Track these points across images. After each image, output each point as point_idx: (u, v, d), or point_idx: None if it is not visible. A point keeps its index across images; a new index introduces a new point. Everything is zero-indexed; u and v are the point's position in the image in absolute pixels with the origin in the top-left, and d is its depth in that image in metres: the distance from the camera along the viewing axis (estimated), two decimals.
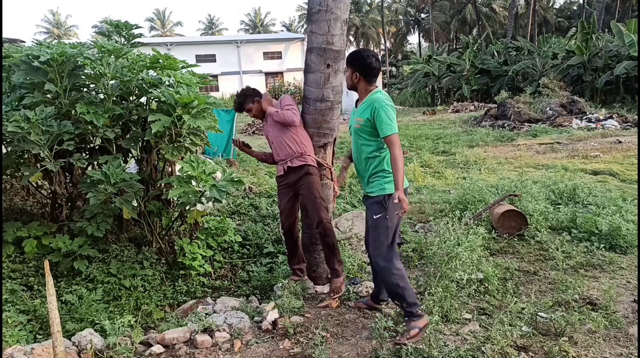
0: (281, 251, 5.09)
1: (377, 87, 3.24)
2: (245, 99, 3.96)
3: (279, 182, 3.91)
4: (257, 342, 3.08)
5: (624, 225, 4.72)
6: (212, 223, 4.90)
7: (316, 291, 3.84)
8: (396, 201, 2.90)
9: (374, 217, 3.13)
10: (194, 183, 4.07)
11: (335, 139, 4.09)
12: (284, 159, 3.77)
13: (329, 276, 3.84)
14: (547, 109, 16.84)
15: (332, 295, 3.66)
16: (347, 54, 3.51)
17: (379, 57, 3.19)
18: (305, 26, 33.28)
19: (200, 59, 32.94)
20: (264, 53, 36.46)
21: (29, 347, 2.85)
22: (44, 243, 4.11)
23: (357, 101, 3.33)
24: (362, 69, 3.15)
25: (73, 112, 3.97)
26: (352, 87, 3.28)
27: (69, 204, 4.46)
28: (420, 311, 3.07)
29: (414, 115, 23.60)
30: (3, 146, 4.12)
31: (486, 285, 3.79)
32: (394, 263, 3.10)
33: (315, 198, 3.68)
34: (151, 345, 3.08)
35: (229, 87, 34.09)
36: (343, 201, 6.69)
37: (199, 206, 4.45)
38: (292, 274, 3.98)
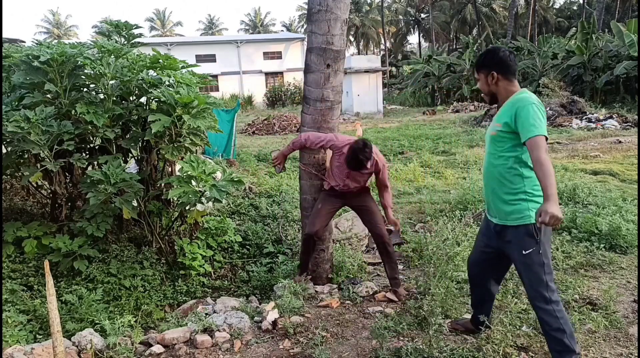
0: (281, 251, 5.09)
1: (521, 88, 2.63)
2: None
3: (330, 190, 3.80)
4: (257, 342, 3.08)
5: (624, 225, 4.72)
6: (212, 223, 4.90)
7: (316, 291, 3.84)
8: (547, 219, 2.16)
9: (524, 253, 2.49)
10: (194, 183, 4.07)
11: None
12: (348, 187, 3.72)
13: (328, 276, 3.82)
14: (547, 109, 16.82)
15: (400, 300, 3.67)
16: (347, 54, 3.44)
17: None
18: (305, 26, 33.28)
19: (200, 59, 32.92)
20: (264, 53, 36.44)
21: (29, 347, 2.85)
22: (44, 243, 4.11)
23: (498, 107, 2.74)
24: (499, 66, 2.60)
25: (73, 112, 3.97)
26: (489, 92, 2.70)
27: (69, 204, 4.46)
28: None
29: (414, 115, 23.61)
30: (3, 146, 4.12)
31: None
32: (557, 303, 2.52)
33: (376, 213, 3.80)
34: (151, 345, 3.08)
35: (229, 87, 34.09)
36: None
37: (199, 206, 4.45)
38: (302, 277, 3.93)
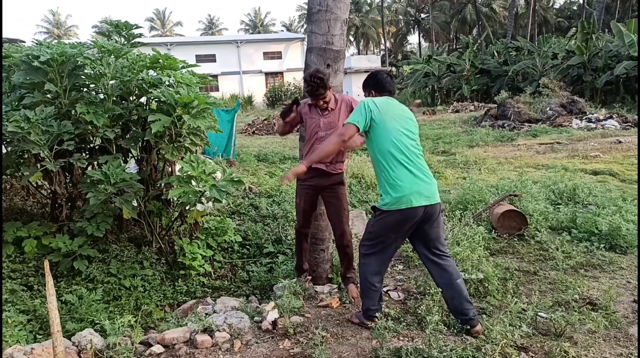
0: (281, 251, 5.09)
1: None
2: (326, 83, 3.55)
3: (303, 181, 3.75)
4: (257, 342, 3.08)
5: (624, 225, 4.72)
6: (212, 223, 4.90)
7: (316, 291, 3.84)
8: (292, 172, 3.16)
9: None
10: (194, 183, 4.07)
11: None
12: (322, 162, 3.61)
13: (328, 276, 3.82)
14: (547, 109, 16.85)
15: (354, 299, 3.66)
16: (347, 54, 3.54)
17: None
18: (305, 26, 33.26)
19: (200, 59, 32.94)
20: (264, 53, 36.46)
21: (29, 347, 2.85)
22: (44, 243, 4.11)
23: None
24: (376, 86, 3.29)
25: (73, 112, 3.97)
26: None
27: (69, 204, 4.46)
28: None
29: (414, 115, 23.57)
30: (3, 146, 4.12)
31: (486, 285, 3.79)
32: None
33: (344, 209, 3.74)
34: (151, 345, 3.08)
35: (229, 87, 34.10)
36: None
37: (199, 206, 4.45)
38: (303, 276, 3.93)
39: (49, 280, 2.42)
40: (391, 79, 3.31)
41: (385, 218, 3.04)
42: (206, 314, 3.46)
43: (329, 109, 3.64)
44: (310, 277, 3.97)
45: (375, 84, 3.29)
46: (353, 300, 3.67)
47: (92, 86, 4.38)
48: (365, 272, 3.19)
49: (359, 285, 3.38)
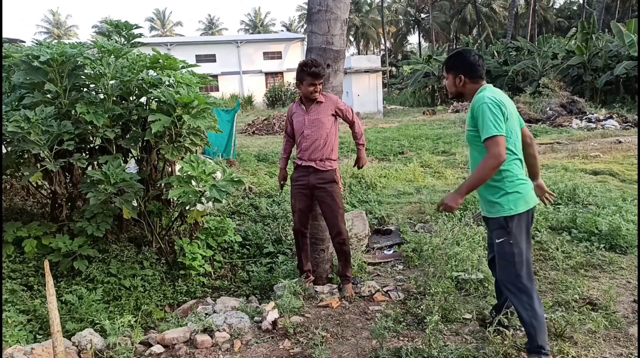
0: (281, 251, 5.09)
1: (484, 84, 2.74)
2: (322, 69, 3.60)
3: (295, 181, 3.80)
4: (257, 342, 3.08)
5: (624, 225, 4.72)
6: (212, 223, 4.90)
7: (316, 291, 3.84)
8: (440, 206, 2.61)
9: (497, 242, 2.67)
10: (194, 183, 4.07)
11: None
12: (312, 159, 3.67)
13: (328, 276, 3.83)
14: (547, 109, 16.86)
15: (350, 298, 3.69)
16: (347, 54, 3.46)
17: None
18: (305, 26, 33.26)
19: (200, 59, 32.92)
20: (264, 53, 36.44)
21: (29, 347, 2.85)
22: (44, 243, 4.11)
23: None
24: (467, 69, 2.72)
25: (73, 112, 3.97)
26: (456, 93, 2.83)
27: (69, 204, 4.46)
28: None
29: (414, 115, 23.61)
30: (3, 146, 4.12)
31: (486, 285, 3.79)
32: (529, 296, 2.64)
33: (338, 208, 3.73)
34: (151, 345, 3.08)
35: (229, 87, 34.09)
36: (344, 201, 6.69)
37: (199, 206, 4.45)
38: (304, 276, 3.94)
39: (49, 280, 2.42)
40: (483, 60, 2.76)
41: (520, 224, 2.62)
42: (206, 314, 3.46)
43: (317, 101, 3.66)
44: (312, 277, 3.97)
45: (468, 67, 2.71)
46: (350, 299, 3.68)
47: (92, 86, 4.38)
48: (534, 307, 2.62)
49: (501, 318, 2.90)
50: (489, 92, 2.61)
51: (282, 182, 4.09)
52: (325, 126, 3.65)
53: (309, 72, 3.53)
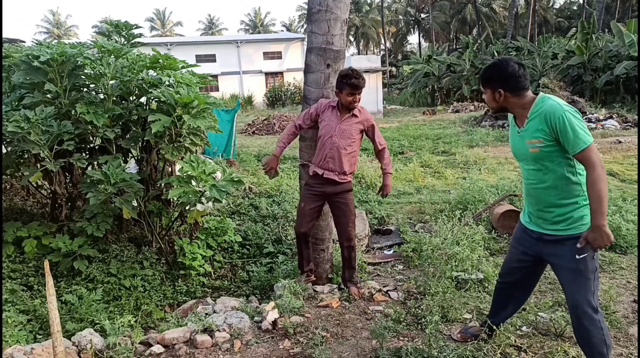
0: (281, 251, 5.09)
1: (540, 94, 2.44)
2: (362, 81, 3.55)
3: (310, 186, 3.77)
4: (257, 342, 3.09)
5: (624, 225, 4.72)
6: (212, 223, 4.90)
7: (316, 291, 3.84)
8: (594, 245, 2.23)
9: (578, 258, 2.35)
10: (194, 183, 4.07)
11: None
12: (333, 171, 3.63)
13: (328, 276, 3.82)
14: None
15: (357, 298, 3.72)
16: (347, 54, 3.40)
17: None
18: (305, 26, 33.26)
19: (200, 59, 32.91)
20: (264, 53, 36.42)
21: (29, 347, 2.85)
22: (44, 243, 4.11)
23: (514, 119, 2.55)
24: (506, 83, 2.41)
25: (73, 112, 3.97)
26: (499, 108, 2.51)
27: (69, 204, 4.46)
28: None
29: (414, 115, 23.60)
30: (3, 146, 4.12)
31: (486, 285, 3.79)
32: (601, 314, 2.44)
33: (352, 215, 3.78)
34: (151, 345, 3.08)
35: (229, 87, 34.08)
36: None
37: (199, 206, 4.45)
38: (305, 276, 3.94)
39: (49, 280, 2.42)
40: (524, 69, 2.43)
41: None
42: (206, 314, 3.46)
43: (353, 114, 3.63)
44: (314, 278, 3.97)
45: (507, 80, 2.40)
46: (355, 299, 3.69)
47: (92, 86, 4.38)
48: (605, 324, 2.45)
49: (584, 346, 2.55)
50: (558, 100, 2.35)
51: (271, 172, 3.84)
52: (354, 138, 3.67)
53: (348, 83, 3.47)
